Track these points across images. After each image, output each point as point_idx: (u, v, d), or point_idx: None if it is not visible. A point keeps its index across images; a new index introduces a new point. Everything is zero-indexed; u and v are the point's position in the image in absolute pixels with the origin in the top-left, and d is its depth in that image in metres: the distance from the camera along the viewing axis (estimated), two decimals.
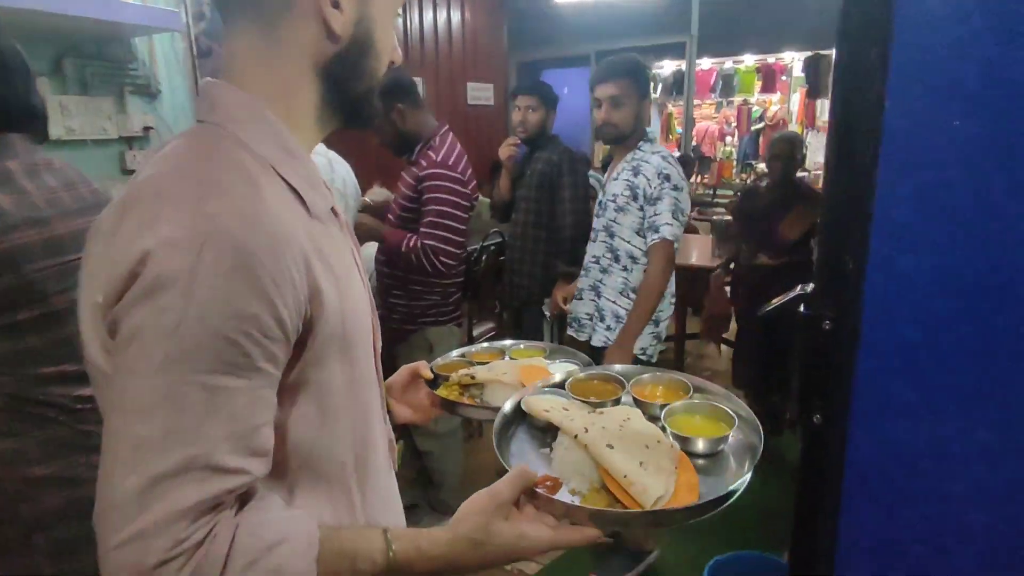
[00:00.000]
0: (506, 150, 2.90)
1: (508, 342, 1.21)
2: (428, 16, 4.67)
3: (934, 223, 0.57)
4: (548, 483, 0.72)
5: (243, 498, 0.60)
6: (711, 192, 8.17)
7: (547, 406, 0.82)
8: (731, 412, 0.79)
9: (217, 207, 0.57)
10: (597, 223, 2.34)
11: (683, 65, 9.24)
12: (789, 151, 3.07)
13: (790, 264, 3.06)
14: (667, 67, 9.77)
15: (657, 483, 0.66)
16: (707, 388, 0.89)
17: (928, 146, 0.57)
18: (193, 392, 0.54)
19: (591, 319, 2.35)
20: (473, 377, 0.99)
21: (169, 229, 0.55)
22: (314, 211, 0.69)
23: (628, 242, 2.20)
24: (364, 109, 0.74)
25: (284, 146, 0.67)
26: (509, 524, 0.66)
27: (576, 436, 0.73)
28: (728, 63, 9.36)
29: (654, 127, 10.18)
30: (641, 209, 2.14)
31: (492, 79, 5.50)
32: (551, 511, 0.68)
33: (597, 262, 2.32)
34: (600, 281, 2.31)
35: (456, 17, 5.11)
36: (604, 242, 2.28)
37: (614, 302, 2.26)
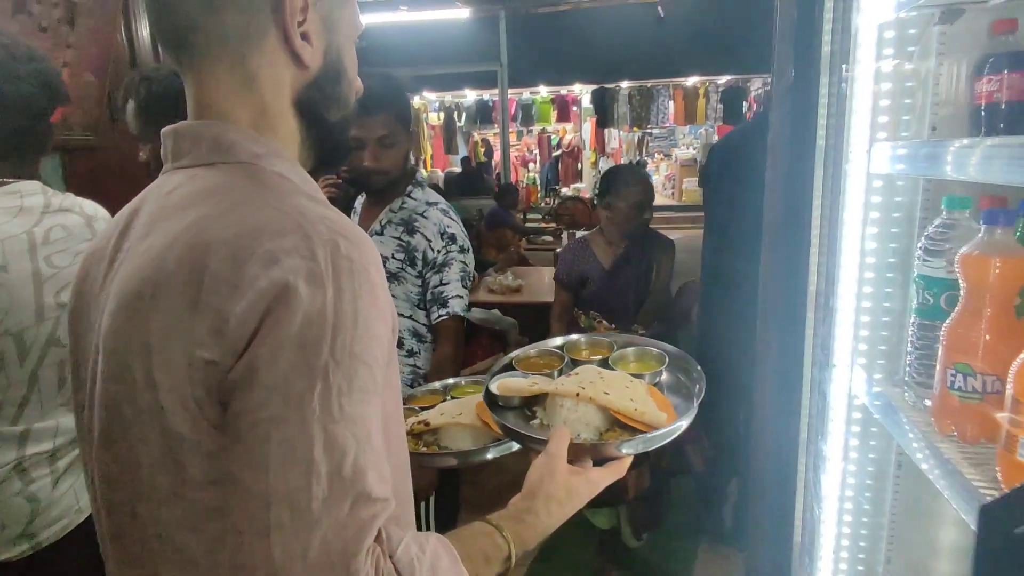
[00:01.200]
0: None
1: (451, 380, 1.21)
2: None
3: None
4: None
5: None
6: (522, 216, 8.32)
7: (525, 383, 0.91)
8: (658, 351, 0.99)
9: (329, 232, 0.56)
10: None
11: (485, 95, 9.43)
12: (647, 196, 2.34)
13: (661, 333, 2.37)
14: (469, 96, 9.90)
15: (656, 409, 0.83)
16: (629, 339, 1.05)
17: None
18: (343, 428, 0.53)
19: None
20: (427, 423, 0.97)
21: (297, 261, 0.54)
22: None
23: (410, 318, 1.73)
24: (340, 142, 0.74)
25: (309, 180, 0.68)
26: (577, 476, 0.75)
27: (578, 394, 0.83)
28: (526, 94, 9.76)
29: (461, 154, 10.20)
30: (420, 276, 1.71)
31: None
32: (581, 456, 0.78)
33: None
34: None
35: None
36: None
37: None
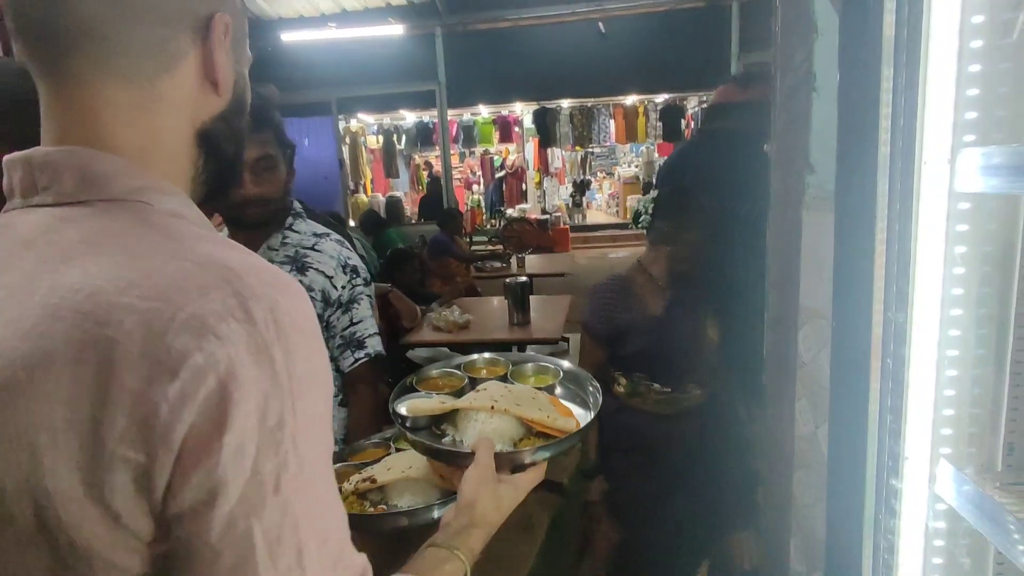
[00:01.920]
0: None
1: (390, 433, 1.14)
2: None
3: None
4: None
5: None
6: (468, 239, 8.03)
7: (434, 402, 0.92)
8: (551, 364, 1.06)
9: (262, 285, 0.50)
10: None
11: (425, 116, 9.14)
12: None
13: (716, 395, 1.90)
14: (409, 118, 9.59)
15: (562, 416, 0.89)
16: (523, 357, 1.09)
17: None
18: (322, 491, 0.51)
19: None
20: (374, 480, 0.91)
21: (234, 327, 0.47)
22: None
23: None
24: (232, 176, 0.69)
25: (204, 219, 0.62)
26: (505, 484, 0.80)
27: (492, 407, 0.87)
28: (466, 115, 9.54)
29: (402, 179, 9.86)
30: (320, 319, 1.44)
31: None
32: (503, 465, 0.81)
33: None
34: None
35: None
36: None
37: None
